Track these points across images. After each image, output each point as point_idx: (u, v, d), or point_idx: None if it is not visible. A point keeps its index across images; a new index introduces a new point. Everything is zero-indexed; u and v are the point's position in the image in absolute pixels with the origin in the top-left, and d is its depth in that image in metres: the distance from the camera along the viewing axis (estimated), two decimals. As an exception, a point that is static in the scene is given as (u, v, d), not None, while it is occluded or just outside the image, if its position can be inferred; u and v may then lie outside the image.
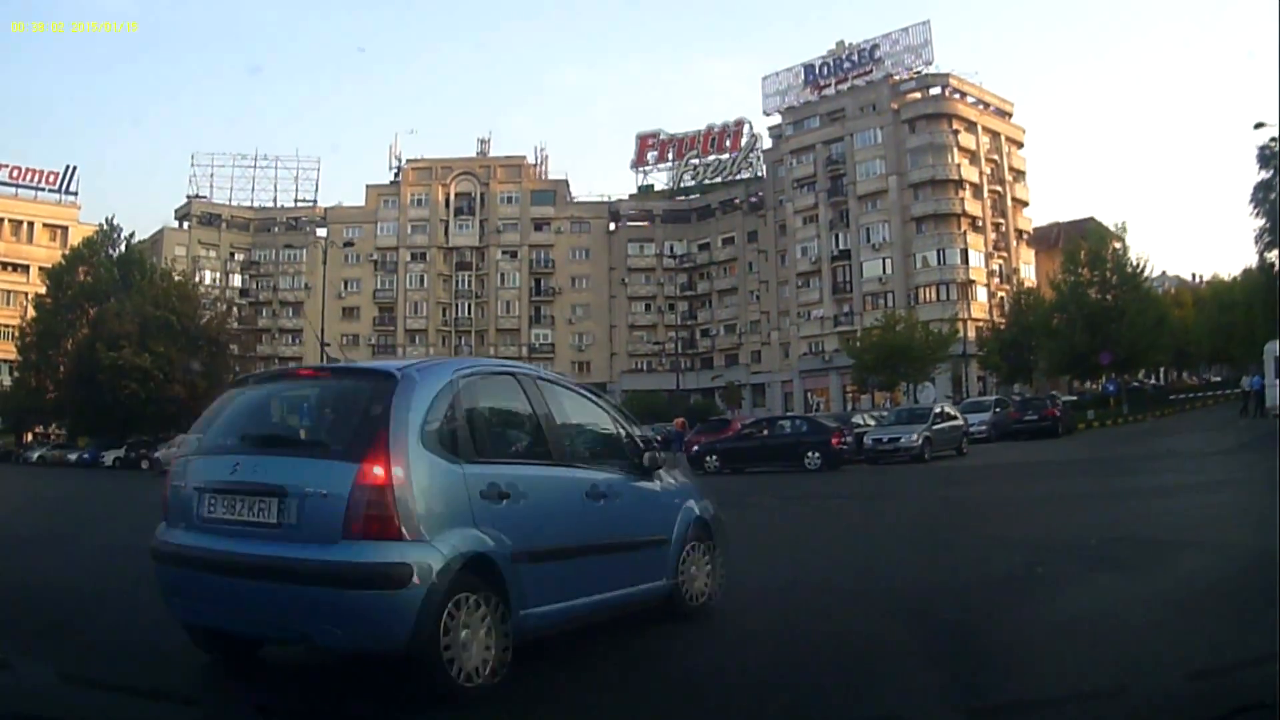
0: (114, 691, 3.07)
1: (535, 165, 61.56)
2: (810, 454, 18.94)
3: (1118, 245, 34.36)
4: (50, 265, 50.79)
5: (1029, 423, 26.81)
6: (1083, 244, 35.70)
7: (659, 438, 23.75)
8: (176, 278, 48.06)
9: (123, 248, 49.45)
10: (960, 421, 22.21)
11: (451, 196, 61.15)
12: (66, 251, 51.64)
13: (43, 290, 50.19)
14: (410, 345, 62.09)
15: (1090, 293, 33.85)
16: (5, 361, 55.06)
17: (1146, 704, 2.89)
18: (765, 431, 21.21)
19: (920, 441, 19.82)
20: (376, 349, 63.88)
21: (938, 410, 22.24)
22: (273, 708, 3.49)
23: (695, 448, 20.88)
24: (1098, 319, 34.21)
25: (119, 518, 13.12)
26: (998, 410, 27.92)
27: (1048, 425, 26.15)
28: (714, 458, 19.96)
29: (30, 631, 5.20)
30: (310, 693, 4.04)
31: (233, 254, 62.85)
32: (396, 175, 62.34)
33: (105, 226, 50.48)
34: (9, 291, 60.40)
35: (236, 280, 63.35)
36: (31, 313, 51.07)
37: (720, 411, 46.55)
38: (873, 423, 24.08)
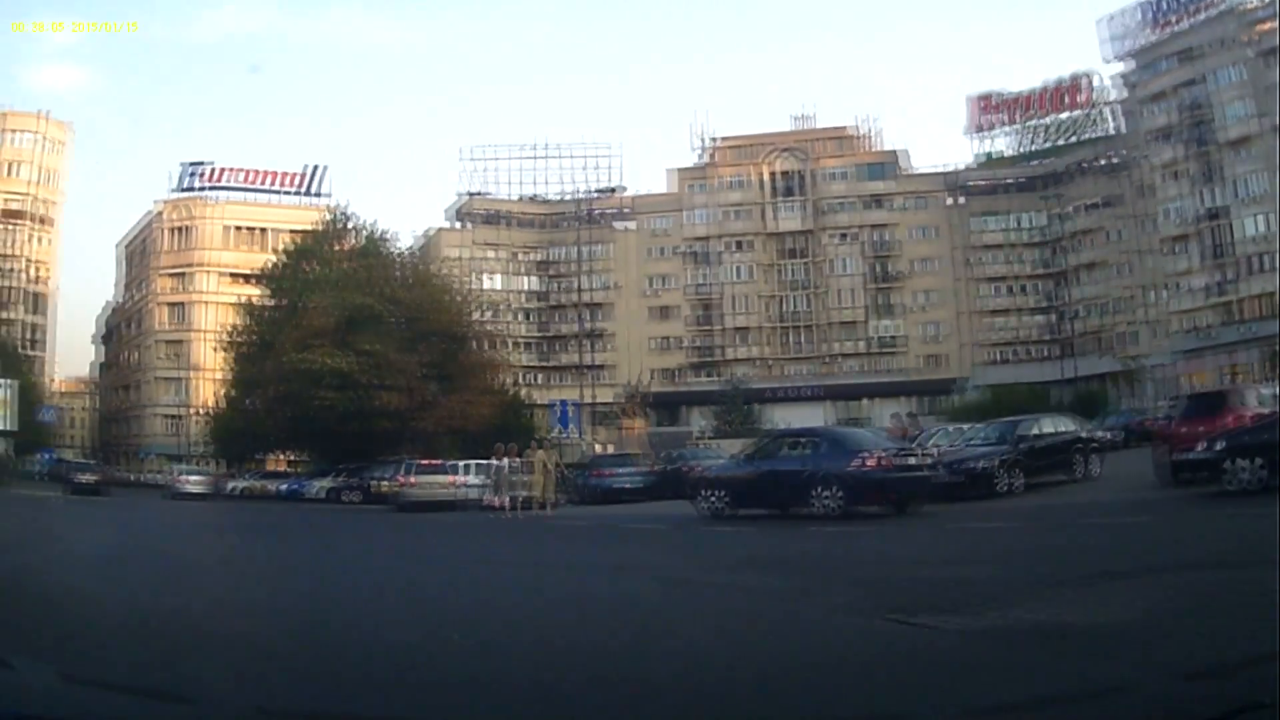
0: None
1: (863, 136, 62.87)
2: None
3: None
4: (268, 263, 51.81)
5: None
6: None
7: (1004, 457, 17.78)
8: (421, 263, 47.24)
9: (354, 239, 47.95)
10: None
11: (772, 176, 62.47)
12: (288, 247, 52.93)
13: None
14: (736, 345, 63.37)
15: None
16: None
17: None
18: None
19: None
20: (695, 352, 64.99)
21: None
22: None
23: (1199, 446, 13.72)
24: None
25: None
26: None
27: None
28: (1247, 462, 12.74)
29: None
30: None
31: (522, 254, 63.97)
32: (705, 157, 63.58)
33: (334, 216, 50.03)
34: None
35: (527, 283, 64.54)
36: (243, 320, 51.29)
37: (1110, 404, 46.07)
38: None
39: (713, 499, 16.75)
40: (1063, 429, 19.69)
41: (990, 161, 72.45)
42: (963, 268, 70.22)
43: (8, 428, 51.54)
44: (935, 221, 70.65)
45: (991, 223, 70.95)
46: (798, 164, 71.29)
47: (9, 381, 52.89)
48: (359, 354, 37.46)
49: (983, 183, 72.00)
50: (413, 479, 28.78)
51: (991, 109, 72.15)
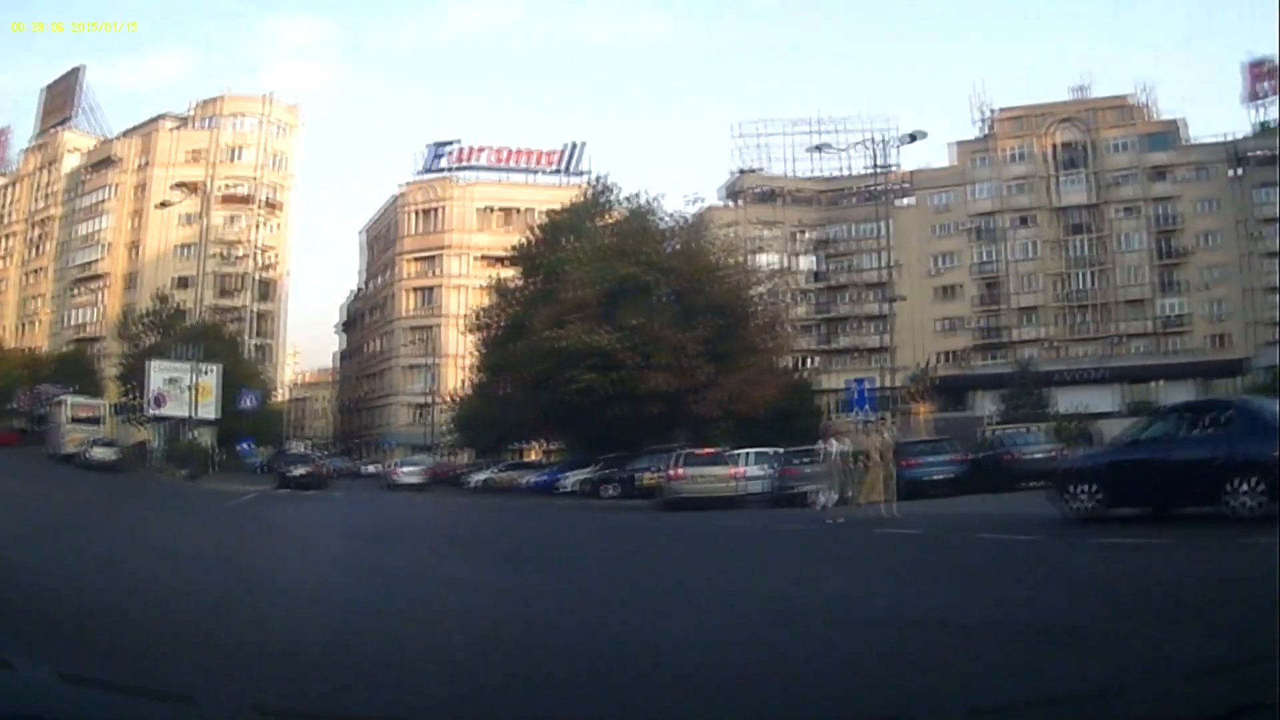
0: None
1: (1142, 105, 62.50)
2: None
3: None
4: (521, 241, 51.92)
5: None
6: None
7: None
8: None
9: (616, 212, 45.47)
10: None
11: (1054, 148, 62.00)
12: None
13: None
14: (1023, 325, 63.16)
15: None
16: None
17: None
18: None
19: None
20: (981, 333, 64.68)
21: None
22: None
23: None
24: None
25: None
26: None
27: None
28: None
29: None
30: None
31: (799, 233, 63.49)
32: (985, 129, 63.09)
33: (595, 186, 49.50)
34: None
35: (805, 262, 64.21)
36: (495, 300, 50.61)
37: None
38: None
39: (1088, 496, 13.72)
40: None
41: (1267, 130, 72.38)
42: (1246, 242, 70.37)
43: (195, 415, 49.76)
44: (1217, 194, 73.12)
45: (1272, 195, 70.91)
46: (1079, 135, 72.74)
47: (210, 366, 50.35)
48: (623, 330, 34.53)
49: (1262, 153, 72.11)
50: (685, 471, 25.47)
51: (1264, 74, 71.91)
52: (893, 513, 17.48)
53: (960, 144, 75.81)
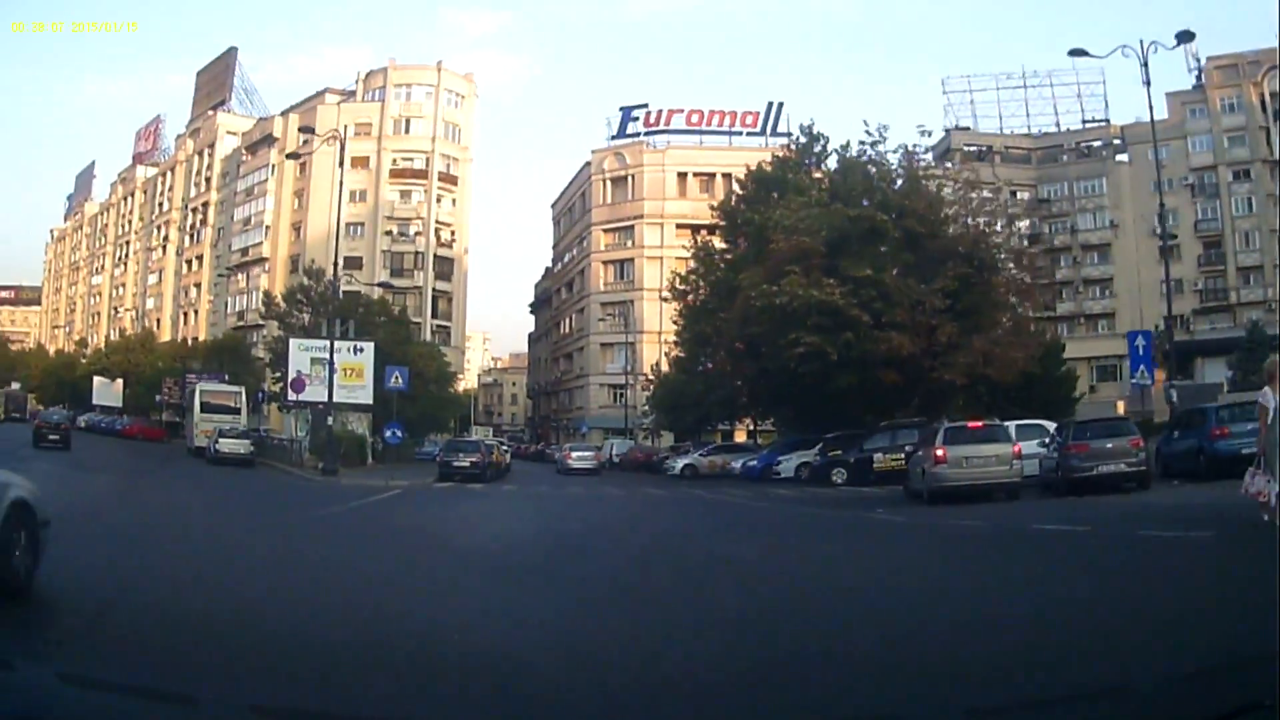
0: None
1: None
2: None
3: None
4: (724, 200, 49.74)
5: None
6: None
7: None
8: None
9: (831, 162, 41.76)
10: None
11: (1266, 97, 61.42)
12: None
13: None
14: (1244, 287, 62.53)
15: None
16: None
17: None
18: None
19: None
20: (1203, 295, 63.96)
21: None
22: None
23: None
24: None
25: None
26: None
27: None
28: None
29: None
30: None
31: (1013, 192, 62.41)
32: (1198, 78, 62.27)
33: (801, 138, 46.28)
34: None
35: (1021, 223, 62.46)
36: (696, 265, 47.68)
37: None
38: None
39: None
40: None
41: None
42: None
43: (333, 399, 42.57)
44: None
45: None
46: (1291, 82, 70.24)
47: (363, 345, 46.84)
48: (852, 282, 30.37)
49: None
50: (952, 451, 20.71)
51: None
52: None
53: (1173, 94, 71.93)
